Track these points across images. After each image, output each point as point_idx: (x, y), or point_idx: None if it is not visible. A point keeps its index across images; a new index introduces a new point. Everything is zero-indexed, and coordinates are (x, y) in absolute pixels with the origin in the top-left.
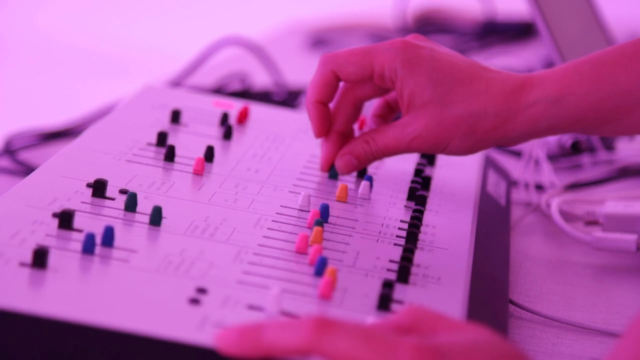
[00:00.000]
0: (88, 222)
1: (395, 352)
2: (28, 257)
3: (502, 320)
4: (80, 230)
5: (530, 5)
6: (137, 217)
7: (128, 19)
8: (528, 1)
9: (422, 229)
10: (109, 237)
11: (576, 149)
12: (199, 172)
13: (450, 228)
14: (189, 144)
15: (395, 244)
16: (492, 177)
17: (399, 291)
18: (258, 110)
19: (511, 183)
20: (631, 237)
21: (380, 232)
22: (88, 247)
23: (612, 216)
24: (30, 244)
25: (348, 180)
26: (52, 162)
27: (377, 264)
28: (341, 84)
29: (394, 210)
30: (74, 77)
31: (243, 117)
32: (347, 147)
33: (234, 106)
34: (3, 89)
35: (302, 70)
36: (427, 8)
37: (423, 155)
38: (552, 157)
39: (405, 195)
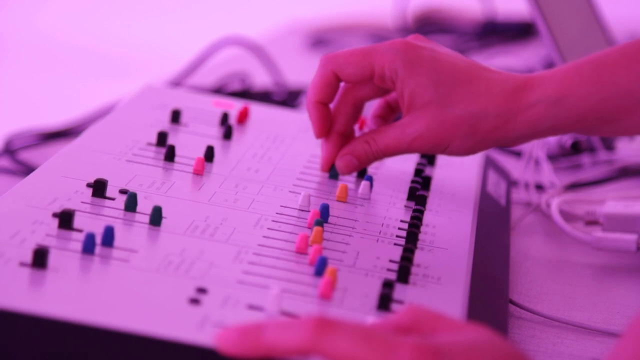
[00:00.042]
0: (88, 222)
1: (395, 352)
2: (28, 257)
3: (502, 320)
4: (80, 230)
5: (530, 5)
6: (137, 217)
7: (128, 19)
8: (528, 1)
9: (422, 229)
10: (109, 237)
11: (576, 149)
12: (199, 172)
13: (450, 228)
14: (189, 144)
15: (395, 244)
16: (492, 177)
17: (399, 291)
18: (258, 110)
19: (511, 183)
20: (631, 237)
21: (380, 232)
22: (88, 247)
23: (612, 216)
24: (30, 243)
25: (348, 180)
26: (52, 162)
27: (377, 263)
28: (342, 84)
29: (394, 210)
30: (74, 77)
31: (243, 117)
32: (347, 147)
33: (234, 106)
34: (3, 89)
35: (302, 70)
36: (427, 8)
37: (423, 155)
38: (552, 157)
39: (405, 195)
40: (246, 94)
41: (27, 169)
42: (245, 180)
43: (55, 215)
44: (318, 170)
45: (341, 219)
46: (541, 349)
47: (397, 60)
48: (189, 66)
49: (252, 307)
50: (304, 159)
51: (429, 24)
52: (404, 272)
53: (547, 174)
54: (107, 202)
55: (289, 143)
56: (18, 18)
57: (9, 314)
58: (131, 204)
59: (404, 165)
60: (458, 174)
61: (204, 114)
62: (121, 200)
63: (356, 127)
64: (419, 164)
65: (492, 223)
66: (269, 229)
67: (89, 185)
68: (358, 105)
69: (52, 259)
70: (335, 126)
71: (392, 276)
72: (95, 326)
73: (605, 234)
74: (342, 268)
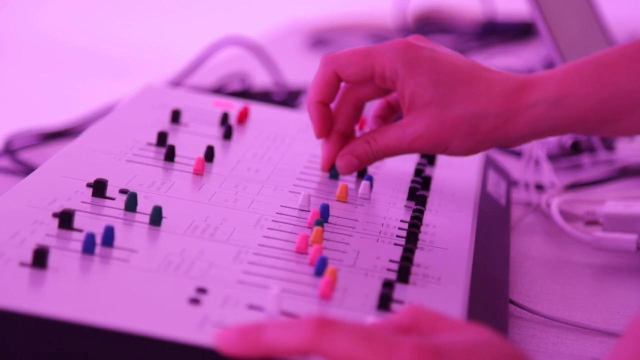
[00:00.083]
0: (88, 222)
1: (395, 352)
2: (28, 257)
3: (502, 320)
4: (80, 230)
5: (530, 5)
6: (137, 217)
7: (128, 19)
8: (528, 1)
9: (422, 228)
10: (109, 237)
11: (576, 149)
12: (199, 172)
13: (450, 228)
14: (189, 144)
15: (395, 244)
16: (492, 177)
17: (399, 291)
18: (258, 110)
19: (511, 183)
20: (631, 237)
21: (380, 232)
22: (88, 247)
23: (612, 216)
24: (30, 243)
25: (348, 180)
26: (52, 162)
27: (377, 263)
28: (342, 84)
29: (394, 210)
30: (74, 77)
31: (243, 117)
32: (348, 147)
33: (234, 106)
34: (3, 89)
35: (302, 70)
36: (427, 8)
37: (423, 155)
38: (552, 157)
39: (405, 195)
40: (246, 94)
41: (27, 169)
42: (245, 180)
43: (55, 215)
44: (318, 170)
45: (341, 219)
46: (541, 349)
47: (398, 60)
48: (189, 66)
49: (252, 307)
50: (304, 159)
51: (429, 24)
52: (404, 272)
53: (547, 174)
54: (107, 202)
55: (289, 143)
56: (18, 18)
57: (9, 314)
58: (131, 203)
59: (404, 165)
60: (458, 174)
61: (204, 114)
62: (121, 200)
63: (356, 127)
64: (419, 164)
65: (492, 223)
66: (269, 228)
67: (89, 185)
68: (359, 105)
69: (52, 259)
70: (335, 126)
71: (392, 276)
72: (95, 326)
73: (605, 234)
74: (342, 268)
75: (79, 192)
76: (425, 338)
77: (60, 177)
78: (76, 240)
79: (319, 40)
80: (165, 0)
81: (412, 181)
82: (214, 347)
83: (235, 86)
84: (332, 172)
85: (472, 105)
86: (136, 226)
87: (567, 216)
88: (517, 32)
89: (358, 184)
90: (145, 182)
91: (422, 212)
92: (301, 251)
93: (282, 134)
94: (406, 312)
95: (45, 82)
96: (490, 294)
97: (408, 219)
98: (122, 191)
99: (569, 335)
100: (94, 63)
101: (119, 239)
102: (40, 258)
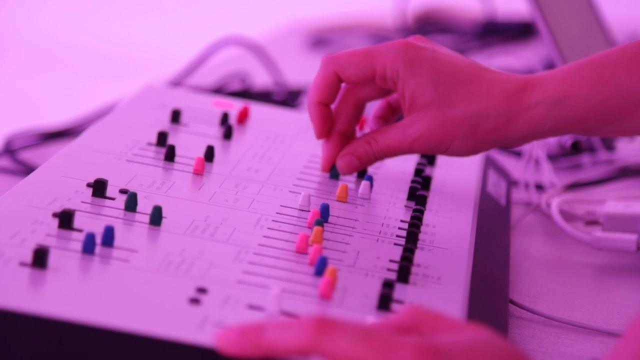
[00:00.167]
0: (88, 222)
1: (395, 352)
2: (28, 257)
3: (502, 320)
4: (80, 230)
5: (530, 5)
6: (137, 216)
7: (128, 19)
8: (528, 1)
9: (422, 228)
10: (109, 236)
11: (576, 148)
12: (199, 172)
13: (450, 228)
14: (189, 144)
15: (395, 244)
16: (492, 177)
17: (399, 291)
18: (258, 110)
19: (511, 183)
20: (631, 237)
21: (380, 232)
22: (88, 246)
23: (612, 216)
24: (30, 243)
25: (348, 180)
26: (52, 162)
27: (377, 263)
28: (343, 85)
29: (394, 210)
30: (74, 77)
31: (243, 117)
32: (348, 147)
33: (234, 106)
34: (3, 89)
35: (302, 70)
36: (427, 8)
37: (423, 155)
38: (552, 157)
39: (405, 195)
40: (246, 94)
41: (27, 169)
42: (245, 180)
43: (55, 215)
44: (318, 170)
45: (341, 219)
46: (541, 349)
47: (398, 61)
48: (189, 66)
49: (252, 307)
50: (304, 159)
51: (429, 24)
52: (404, 272)
53: (547, 174)
54: (107, 202)
55: (289, 143)
56: (18, 18)
57: (9, 314)
58: (131, 203)
59: (404, 165)
60: (458, 174)
61: (204, 114)
62: (121, 200)
63: (357, 127)
64: (419, 164)
65: (492, 223)
66: (269, 228)
67: (89, 185)
68: (359, 105)
69: (52, 258)
70: (336, 126)
71: (392, 276)
72: (95, 326)
73: (605, 233)
74: (342, 268)
75: (79, 192)
76: (425, 338)
77: (60, 177)
78: (76, 240)
79: (319, 40)
80: (165, 0)
81: (412, 181)
82: (214, 347)
83: (235, 86)
84: (333, 172)
85: (472, 105)
86: (136, 226)
87: (567, 216)
88: (517, 32)
89: (358, 184)
90: (145, 182)
91: (422, 212)
92: (301, 251)
93: (282, 134)
94: (406, 312)
95: (45, 82)
96: (490, 294)
97: (408, 219)
98: (122, 191)
99: (569, 335)
100: (94, 63)
101: (119, 239)
102: (40, 258)
